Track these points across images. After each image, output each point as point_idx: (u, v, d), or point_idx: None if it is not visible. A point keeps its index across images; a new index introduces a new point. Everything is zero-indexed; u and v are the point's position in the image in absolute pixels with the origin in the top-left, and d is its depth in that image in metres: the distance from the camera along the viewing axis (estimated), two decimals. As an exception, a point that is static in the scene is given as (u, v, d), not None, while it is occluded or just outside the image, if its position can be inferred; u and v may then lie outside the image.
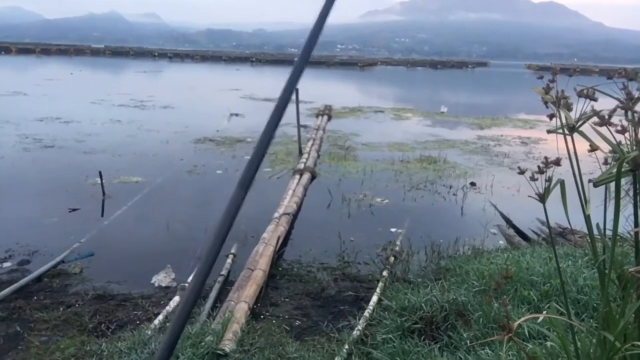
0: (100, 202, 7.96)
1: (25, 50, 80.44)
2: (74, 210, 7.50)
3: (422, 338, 3.44)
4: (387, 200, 8.60)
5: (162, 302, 4.73)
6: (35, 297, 4.78)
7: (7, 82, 28.57)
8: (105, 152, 11.56)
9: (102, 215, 7.44)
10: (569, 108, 1.52)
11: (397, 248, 6.17)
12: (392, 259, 5.78)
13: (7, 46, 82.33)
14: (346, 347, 3.64)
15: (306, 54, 1.06)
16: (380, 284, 4.98)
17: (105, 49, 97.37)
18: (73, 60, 62.79)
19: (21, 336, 4.06)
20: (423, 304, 3.70)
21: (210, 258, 0.92)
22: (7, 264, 5.55)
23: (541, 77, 1.59)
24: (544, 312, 3.07)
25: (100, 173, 8.29)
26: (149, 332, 3.80)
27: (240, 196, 0.95)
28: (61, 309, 4.54)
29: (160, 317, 4.26)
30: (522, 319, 1.60)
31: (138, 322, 4.36)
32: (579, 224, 1.76)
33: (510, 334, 1.40)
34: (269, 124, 1.01)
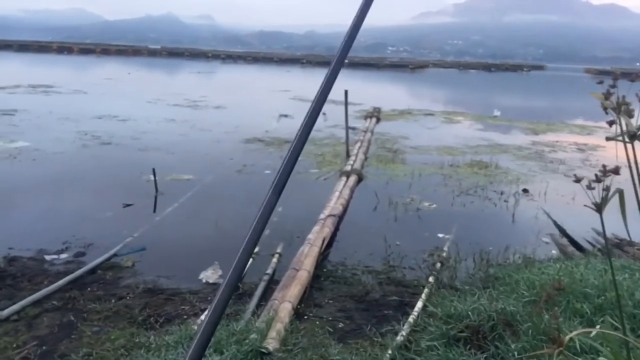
0: (153, 199, 8.19)
1: (86, 50, 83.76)
2: (128, 205, 7.74)
3: (468, 347, 3.36)
4: (435, 205, 8.47)
5: (209, 297, 4.82)
6: (89, 289, 4.96)
7: (69, 80, 29.83)
8: (159, 150, 11.90)
9: (155, 211, 7.65)
10: (630, 115, 1.45)
11: (444, 254, 6.07)
12: (438, 264, 5.70)
13: (69, 46, 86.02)
14: (389, 352, 3.60)
15: (342, 57, 1.06)
16: (426, 289, 4.91)
17: (162, 49, 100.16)
18: (131, 61, 64.96)
19: (74, 325, 4.22)
20: (470, 312, 3.62)
21: (243, 259, 0.93)
22: (63, 256, 5.78)
23: (601, 82, 1.53)
24: (598, 326, 2.94)
25: (153, 170, 8.53)
26: (196, 327, 3.88)
27: (274, 201, 0.97)
28: (113, 300, 4.69)
29: (207, 312, 4.34)
30: (574, 332, 1.54)
31: (185, 316, 4.46)
32: (637, 236, 1.68)
33: (561, 348, 1.35)
34: (302, 131, 1.02)
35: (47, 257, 5.69)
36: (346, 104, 12.05)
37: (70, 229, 6.58)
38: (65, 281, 4.94)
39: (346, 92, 11.99)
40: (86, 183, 9.03)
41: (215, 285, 5.18)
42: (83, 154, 11.21)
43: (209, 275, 5.35)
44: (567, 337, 1.40)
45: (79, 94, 23.71)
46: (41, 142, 11.94)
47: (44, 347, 3.89)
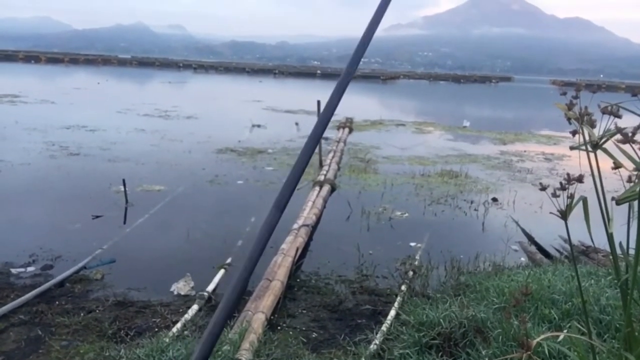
0: (123, 210, 8.07)
1: (54, 59, 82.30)
2: (97, 217, 7.61)
3: (440, 354, 3.40)
4: (407, 214, 8.56)
5: (181, 310, 4.77)
6: (57, 302, 4.85)
7: (36, 90, 29.23)
8: (129, 160, 11.74)
9: (125, 223, 7.54)
10: (592, 125, 1.50)
11: (416, 262, 6.13)
12: (411, 273, 5.75)
13: (37, 55, 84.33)
14: (363, 360, 3.62)
15: (351, 70, 1.06)
16: (399, 298, 4.95)
17: (132, 59, 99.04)
18: (100, 70, 64.05)
19: (42, 340, 4.12)
20: (441, 320, 3.66)
21: (245, 275, 0.92)
22: (30, 269, 5.64)
23: (564, 93, 1.58)
24: (565, 331, 3.01)
25: (123, 181, 8.41)
26: (167, 340, 3.83)
27: (276, 217, 0.96)
28: (82, 314, 4.60)
29: (179, 325, 4.29)
30: (542, 336, 1.58)
31: (156, 329, 4.39)
32: (602, 243, 1.73)
33: (529, 352, 1.38)
34: (305, 149, 1.01)
35: (14, 271, 5.55)
36: (319, 114, 12.11)
37: (37, 241, 6.43)
38: (32, 295, 4.82)
39: (319, 102, 12.04)
40: (54, 194, 8.84)
41: (187, 297, 5.12)
42: (50, 165, 10.98)
43: (181, 287, 5.29)
44: (535, 342, 1.44)
45: (46, 103, 23.26)
46: (7, 152, 11.66)
47: (10, 363, 3.79)
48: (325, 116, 1.03)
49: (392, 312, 4.55)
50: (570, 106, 1.51)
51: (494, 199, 9.77)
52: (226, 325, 4.05)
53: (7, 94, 24.93)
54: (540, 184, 1.63)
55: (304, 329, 4.51)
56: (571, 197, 1.55)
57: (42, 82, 40.97)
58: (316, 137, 1.02)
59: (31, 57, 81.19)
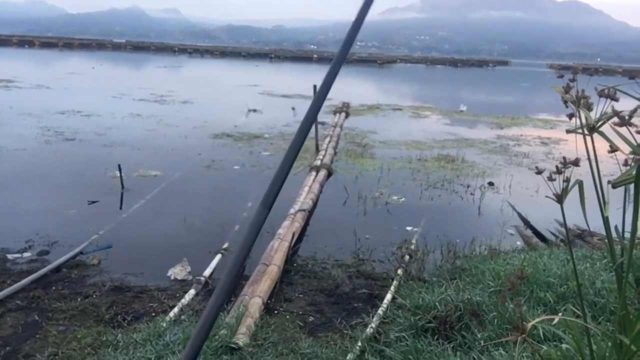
0: (119, 195, 8.05)
1: (48, 44, 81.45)
2: (93, 202, 7.59)
3: (436, 337, 3.42)
4: (403, 199, 8.56)
5: (178, 294, 4.78)
6: (53, 287, 4.86)
7: (31, 75, 29.01)
8: (125, 145, 11.69)
9: (121, 208, 7.53)
10: (589, 108, 1.49)
11: (412, 247, 6.15)
12: (407, 257, 5.77)
13: (30, 40, 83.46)
14: (359, 344, 3.64)
15: (341, 57, 1.04)
16: (395, 282, 4.97)
17: (127, 43, 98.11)
18: (95, 55, 63.51)
19: (39, 325, 4.13)
20: (437, 303, 3.69)
21: (234, 272, 0.91)
22: (27, 254, 5.64)
23: (561, 76, 1.57)
24: (560, 314, 3.03)
25: (119, 166, 8.38)
26: (164, 324, 3.84)
27: (263, 214, 0.95)
28: (79, 299, 4.61)
29: (176, 309, 4.30)
30: (536, 320, 1.58)
31: (154, 314, 4.40)
32: (598, 226, 1.73)
33: (523, 335, 1.39)
34: (292, 146, 0.99)
35: (10, 256, 5.54)
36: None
37: (33, 227, 6.42)
38: (29, 280, 4.82)
39: (315, 86, 11.99)
40: (49, 180, 8.81)
41: (183, 282, 5.13)
42: (46, 151, 10.93)
43: (178, 272, 5.30)
44: (529, 325, 1.44)
45: (41, 88, 23.08)
46: (2, 138, 11.59)
47: (7, 348, 3.80)
48: (314, 109, 1.02)
49: (389, 296, 4.57)
50: (566, 89, 1.50)
51: (490, 183, 9.78)
52: (221, 311, 4.07)
53: (1, 79, 24.73)
54: (536, 167, 1.62)
55: (300, 313, 4.53)
56: (567, 180, 1.54)
57: (36, 67, 40.65)
58: (302, 134, 1.00)
59: (25, 42, 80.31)
